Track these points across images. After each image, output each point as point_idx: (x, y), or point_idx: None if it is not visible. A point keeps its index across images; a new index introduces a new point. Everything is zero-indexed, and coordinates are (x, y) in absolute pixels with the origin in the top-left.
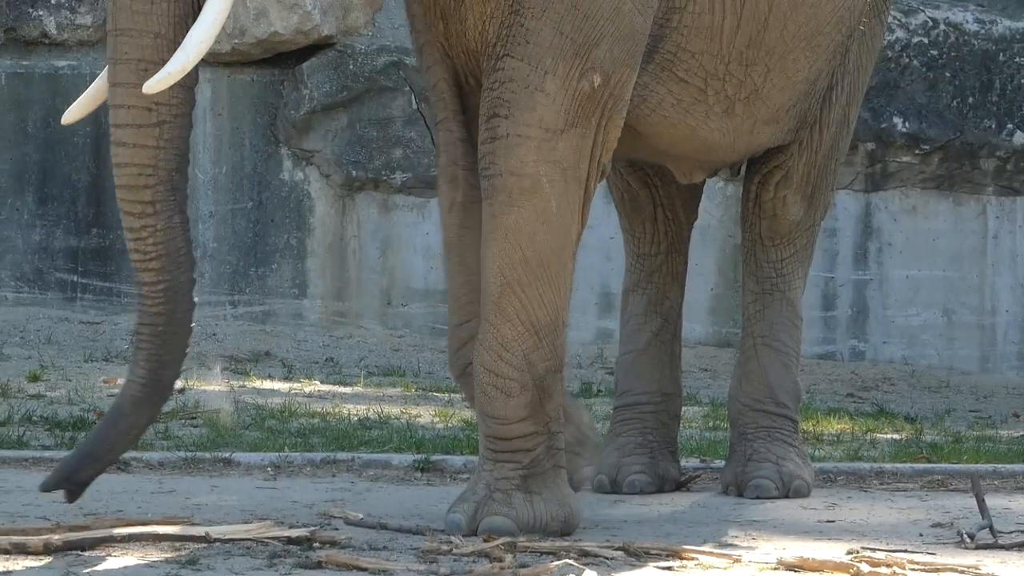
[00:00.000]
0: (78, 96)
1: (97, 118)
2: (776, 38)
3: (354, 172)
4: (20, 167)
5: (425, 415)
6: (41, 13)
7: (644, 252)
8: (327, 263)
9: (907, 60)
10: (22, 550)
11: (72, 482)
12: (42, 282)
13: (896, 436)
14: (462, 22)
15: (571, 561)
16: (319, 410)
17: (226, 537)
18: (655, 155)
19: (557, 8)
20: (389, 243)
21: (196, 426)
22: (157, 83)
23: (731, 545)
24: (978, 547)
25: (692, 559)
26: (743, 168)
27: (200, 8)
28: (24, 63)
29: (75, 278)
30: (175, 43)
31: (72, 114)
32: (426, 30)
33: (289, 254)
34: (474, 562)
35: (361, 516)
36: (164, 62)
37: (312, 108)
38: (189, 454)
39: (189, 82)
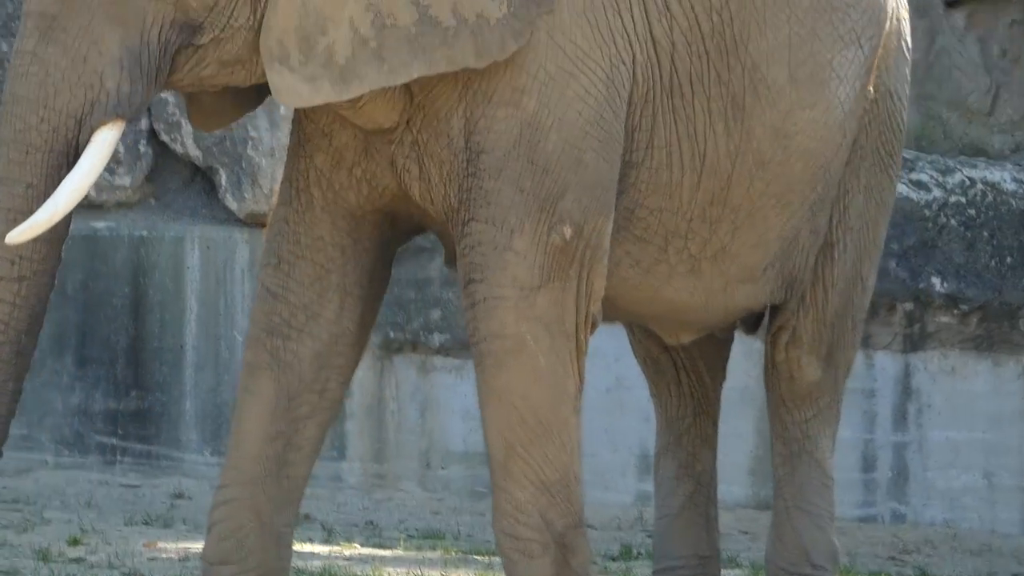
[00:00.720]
0: (117, 257)
1: (136, 280)
2: (742, 195)
3: (392, 334)
4: (59, 329)
5: None
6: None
7: (672, 415)
8: (366, 425)
9: (944, 219)
10: None
11: None
12: (82, 445)
13: None
14: (426, 181)
15: None
16: (359, 573)
17: None
18: (625, 316)
19: (513, 167)
20: (428, 405)
21: None
22: (20, 233)
23: None
24: None
25: None
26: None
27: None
28: None
29: (115, 441)
30: (47, 195)
31: None
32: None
33: None
34: None
35: None
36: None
37: None
38: None
39: (56, 236)
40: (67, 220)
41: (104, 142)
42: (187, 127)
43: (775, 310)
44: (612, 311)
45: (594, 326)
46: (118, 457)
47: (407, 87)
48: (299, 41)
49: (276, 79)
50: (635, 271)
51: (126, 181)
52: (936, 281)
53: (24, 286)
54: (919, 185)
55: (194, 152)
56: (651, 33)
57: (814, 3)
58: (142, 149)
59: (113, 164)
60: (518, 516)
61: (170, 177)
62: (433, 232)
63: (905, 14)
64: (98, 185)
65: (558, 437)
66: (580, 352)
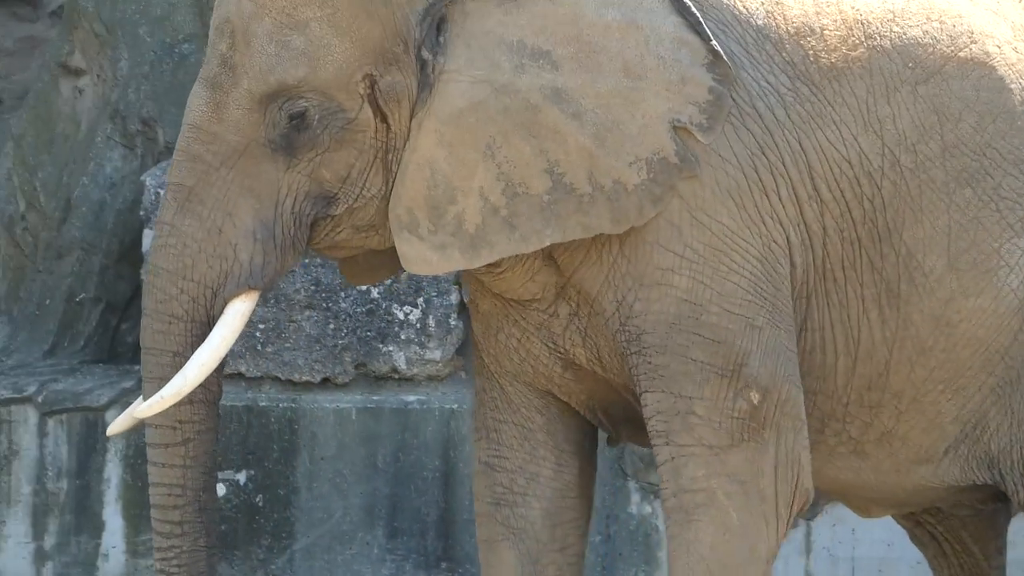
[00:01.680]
0: (427, 430)
1: (446, 452)
2: (903, 381)
3: None
4: (370, 501)
5: None
6: (391, 348)
7: None
8: None
9: None
10: None
11: None
12: None
13: None
14: (592, 350)
15: None
16: None
17: None
18: None
19: (678, 340)
20: None
21: None
22: (149, 408)
23: None
24: None
25: None
26: None
27: None
28: (374, 398)
29: None
30: None
31: (115, 427)
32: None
33: None
34: None
35: None
36: None
37: None
38: None
39: (211, 397)
40: (219, 381)
41: (236, 314)
42: None
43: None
44: None
45: (806, 502)
46: None
47: (554, 262)
48: (428, 210)
49: (405, 247)
50: None
51: (436, 355)
52: None
53: (191, 447)
54: None
55: None
56: (802, 217)
57: (978, 193)
58: (452, 323)
59: (424, 338)
60: None
61: None
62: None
63: None
64: (408, 359)
65: None
66: (779, 519)
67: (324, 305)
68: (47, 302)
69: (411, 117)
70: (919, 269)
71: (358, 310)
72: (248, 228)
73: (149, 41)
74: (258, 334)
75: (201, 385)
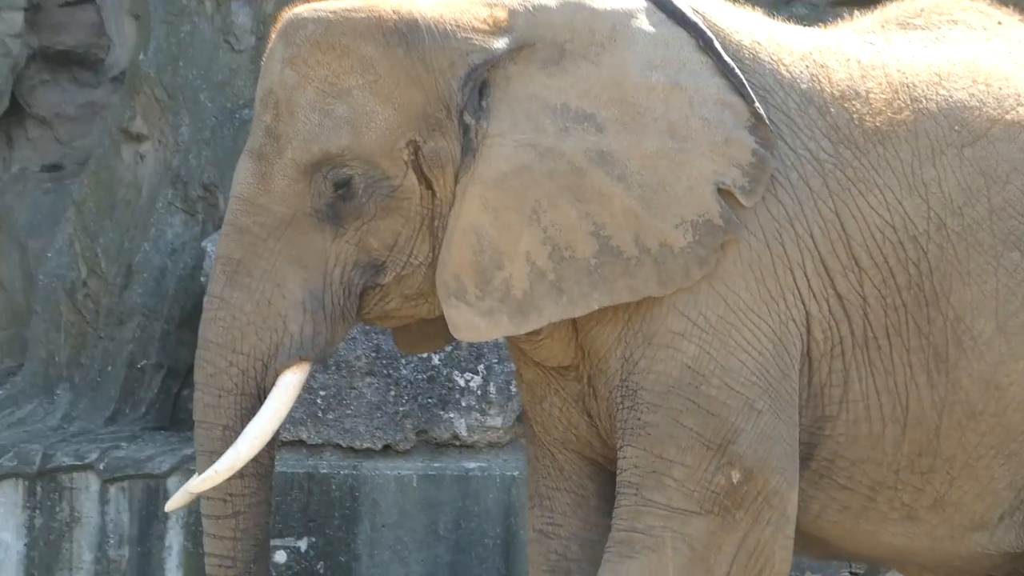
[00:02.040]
0: (488, 498)
1: (507, 520)
2: (954, 447)
3: None
4: (431, 568)
5: None
6: (452, 415)
7: None
8: None
9: None
10: None
11: None
12: None
13: None
14: (602, 419)
15: None
16: None
17: None
18: (848, 556)
19: (673, 403)
20: None
21: None
22: (202, 483)
23: None
24: None
25: None
26: None
27: None
28: (435, 465)
29: None
30: None
31: (174, 503)
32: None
33: None
34: None
35: None
36: None
37: None
38: None
39: (262, 470)
40: (271, 453)
41: (288, 386)
42: None
43: None
44: (831, 551)
45: None
46: None
47: (573, 327)
48: (475, 276)
49: (453, 314)
50: (844, 516)
51: (497, 422)
52: None
53: (241, 520)
54: None
55: None
56: (835, 289)
57: None
58: (513, 389)
59: (484, 404)
60: None
61: None
62: None
63: None
64: (469, 426)
65: None
66: None
67: (385, 372)
68: (108, 368)
69: (455, 182)
70: (968, 333)
71: (419, 377)
72: (297, 299)
73: (210, 107)
74: (319, 401)
75: (253, 459)
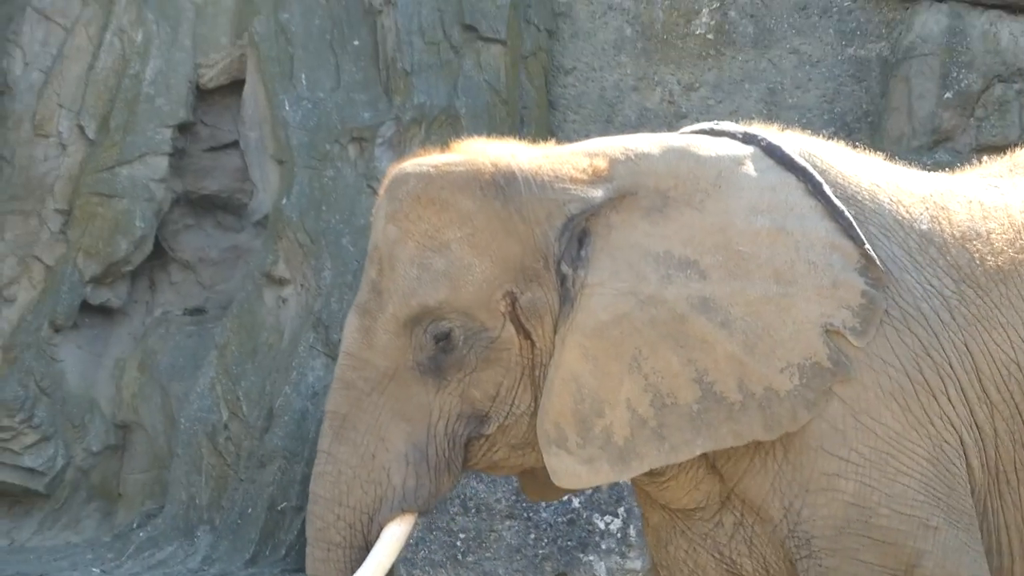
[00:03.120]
0: None
1: None
2: None
3: None
4: None
5: None
6: (592, 558)
7: None
8: None
9: None
10: None
11: None
12: None
13: None
14: (759, 560)
15: None
16: None
17: None
18: None
19: (848, 543)
20: None
21: None
22: None
23: None
24: None
25: None
26: None
27: None
28: None
29: None
30: None
31: None
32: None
33: None
34: None
35: None
36: None
37: None
38: None
39: None
40: None
41: (392, 538)
42: None
43: None
44: None
45: None
46: None
47: (716, 471)
48: (576, 424)
49: (554, 462)
50: None
51: (637, 564)
52: None
53: None
54: None
55: None
56: (974, 419)
57: None
58: None
59: (625, 547)
60: None
61: None
62: None
63: None
64: (609, 569)
65: None
66: None
67: (525, 515)
68: (249, 511)
69: (555, 332)
70: None
71: (559, 520)
72: (400, 452)
73: (352, 251)
74: (459, 543)
75: None
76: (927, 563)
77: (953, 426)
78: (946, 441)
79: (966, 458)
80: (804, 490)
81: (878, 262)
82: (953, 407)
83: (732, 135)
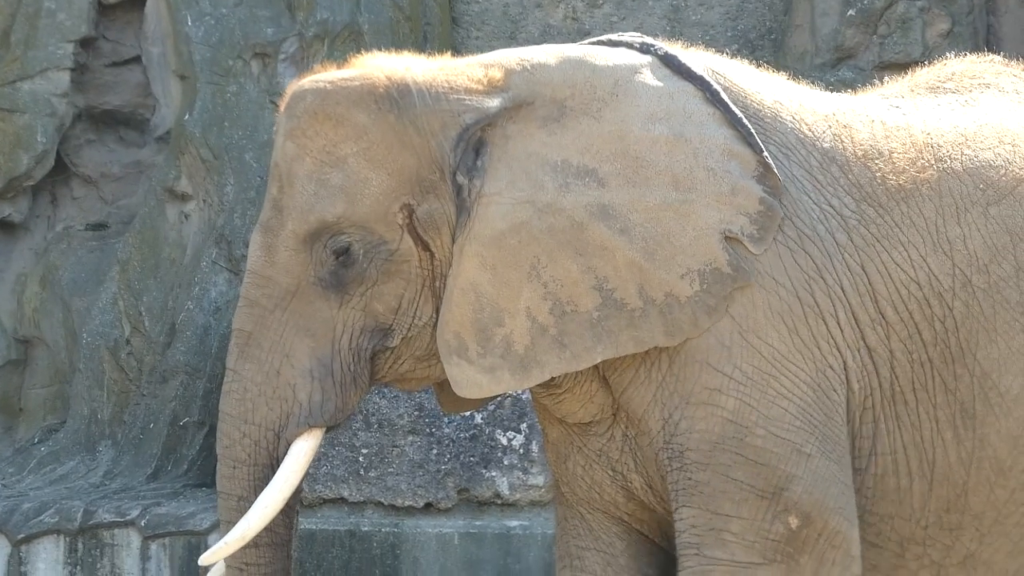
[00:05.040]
0: (529, 556)
1: None
2: (983, 503)
3: None
4: None
5: None
6: (494, 474)
7: None
8: None
9: None
10: None
11: None
12: None
13: None
14: (643, 475)
15: None
16: None
17: None
18: None
19: (721, 459)
20: None
21: None
22: (213, 555)
23: None
24: None
25: None
26: None
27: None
28: (477, 523)
29: None
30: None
31: (205, 561)
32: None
33: None
34: None
35: None
36: None
37: None
38: None
39: (278, 539)
40: (287, 521)
41: (299, 454)
42: None
43: None
44: None
45: None
46: None
47: (606, 382)
48: (476, 333)
49: (455, 372)
50: (874, 574)
51: (539, 480)
52: None
53: None
54: None
55: None
56: (864, 341)
57: None
58: None
59: (527, 463)
60: None
61: None
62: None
63: None
64: (511, 484)
65: None
66: None
67: (427, 430)
68: (151, 426)
69: (452, 243)
70: (995, 389)
71: (461, 435)
72: (305, 367)
73: (255, 167)
74: (361, 459)
75: (267, 528)
76: (795, 488)
77: (839, 349)
78: (830, 366)
79: (848, 383)
80: (685, 402)
81: (775, 169)
82: (841, 330)
83: (629, 45)
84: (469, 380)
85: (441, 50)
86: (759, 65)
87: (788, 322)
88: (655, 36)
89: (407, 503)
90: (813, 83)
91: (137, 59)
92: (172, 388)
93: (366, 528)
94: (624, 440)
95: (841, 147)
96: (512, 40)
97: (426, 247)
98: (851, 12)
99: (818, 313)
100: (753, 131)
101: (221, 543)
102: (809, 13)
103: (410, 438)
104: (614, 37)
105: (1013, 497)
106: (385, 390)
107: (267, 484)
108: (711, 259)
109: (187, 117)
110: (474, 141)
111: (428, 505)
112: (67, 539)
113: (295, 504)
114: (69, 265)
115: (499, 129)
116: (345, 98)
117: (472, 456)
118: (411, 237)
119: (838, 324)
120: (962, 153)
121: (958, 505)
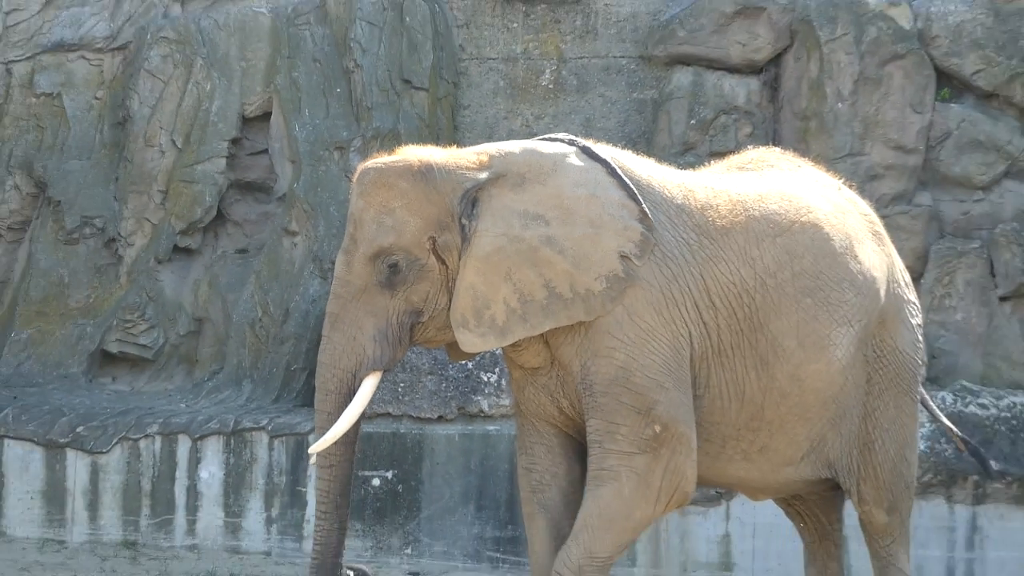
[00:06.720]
0: (501, 447)
1: (512, 459)
2: (772, 415)
3: None
4: (466, 490)
5: None
6: (479, 398)
7: (806, 540)
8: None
9: (998, 427)
10: None
11: None
12: None
13: None
14: (569, 400)
15: None
16: None
17: None
18: (713, 484)
19: (614, 390)
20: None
21: None
22: (317, 447)
23: None
24: None
25: None
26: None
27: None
28: (469, 428)
29: None
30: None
31: (313, 449)
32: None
33: None
34: None
35: None
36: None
37: None
38: None
39: (348, 440)
40: (356, 430)
41: (367, 387)
42: None
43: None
44: (703, 481)
45: (683, 500)
46: None
47: (547, 343)
48: (473, 313)
49: (461, 336)
50: (707, 458)
51: (507, 402)
52: (993, 463)
53: (335, 469)
54: (982, 406)
55: None
56: (702, 319)
57: (815, 301)
58: None
59: (499, 392)
60: (567, 562)
61: None
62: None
63: (904, 292)
64: (490, 404)
65: (616, 534)
66: (656, 504)
67: (440, 372)
68: (274, 370)
69: (459, 260)
70: (780, 347)
71: (460, 375)
72: (370, 334)
73: (336, 216)
74: (399, 389)
75: (344, 434)
76: (659, 408)
77: (687, 324)
78: (681, 335)
79: (692, 345)
80: (594, 355)
81: (650, 216)
82: (688, 313)
83: (562, 140)
84: (470, 342)
85: (448, 144)
86: (639, 153)
87: (656, 308)
88: (576, 135)
89: (426, 416)
90: (671, 165)
91: (265, 151)
92: (287, 348)
93: (402, 431)
94: (558, 378)
95: (687, 203)
96: (491, 137)
97: (443, 262)
98: (693, 121)
99: (674, 303)
100: (637, 193)
101: (322, 441)
102: (667, 122)
103: (429, 377)
104: (552, 136)
105: (791, 412)
106: (415, 348)
107: (347, 406)
108: (612, 269)
109: (295, 185)
110: (471, 199)
111: (439, 417)
112: (223, 438)
113: (360, 421)
114: (225, 274)
115: (485, 191)
116: (393, 173)
117: (466, 388)
118: (435, 257)
119: (687, 309)
120: (759, 205)
121: (758, 416)
